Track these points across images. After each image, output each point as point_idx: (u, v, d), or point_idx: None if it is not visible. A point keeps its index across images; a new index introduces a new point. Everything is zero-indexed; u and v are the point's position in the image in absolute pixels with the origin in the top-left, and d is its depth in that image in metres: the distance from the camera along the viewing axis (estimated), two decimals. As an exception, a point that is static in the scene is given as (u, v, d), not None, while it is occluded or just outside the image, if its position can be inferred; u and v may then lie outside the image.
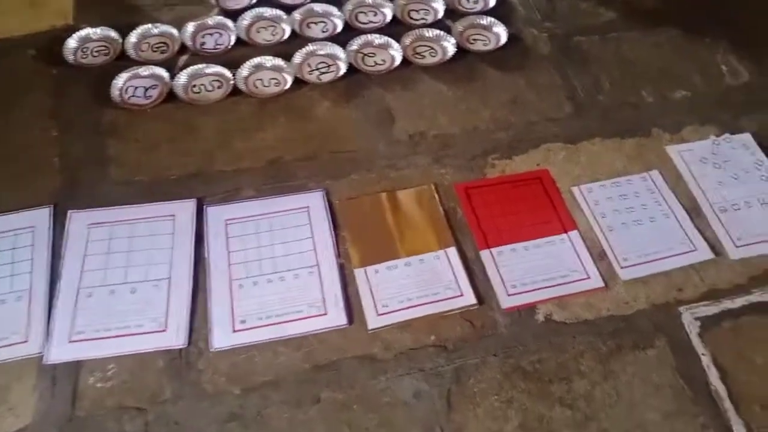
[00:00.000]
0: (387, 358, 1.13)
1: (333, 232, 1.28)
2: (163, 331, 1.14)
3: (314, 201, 1.33)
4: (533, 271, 1.23)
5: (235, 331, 1.15)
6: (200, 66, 1.53)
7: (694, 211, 1.33)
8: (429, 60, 1.58)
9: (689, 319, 1.18)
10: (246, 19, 1.63)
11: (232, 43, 1.60)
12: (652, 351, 1.15)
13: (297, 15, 1.65)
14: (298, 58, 1.55)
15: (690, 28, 1.68)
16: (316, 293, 1.20)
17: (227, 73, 1.52)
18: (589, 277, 1.23)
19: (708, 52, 1.65)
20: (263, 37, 1.62)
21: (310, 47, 1.57)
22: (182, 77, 1.51)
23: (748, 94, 1.56)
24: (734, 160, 1.40)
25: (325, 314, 1.17)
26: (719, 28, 1.69)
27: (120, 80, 1.49)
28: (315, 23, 1.66)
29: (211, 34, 1.62)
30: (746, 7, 1.75)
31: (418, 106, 1.50)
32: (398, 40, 1.59)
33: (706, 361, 1.14)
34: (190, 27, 1.61)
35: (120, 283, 1.20)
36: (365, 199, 1.33)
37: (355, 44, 1.58)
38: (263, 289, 1.20)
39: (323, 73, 1.54)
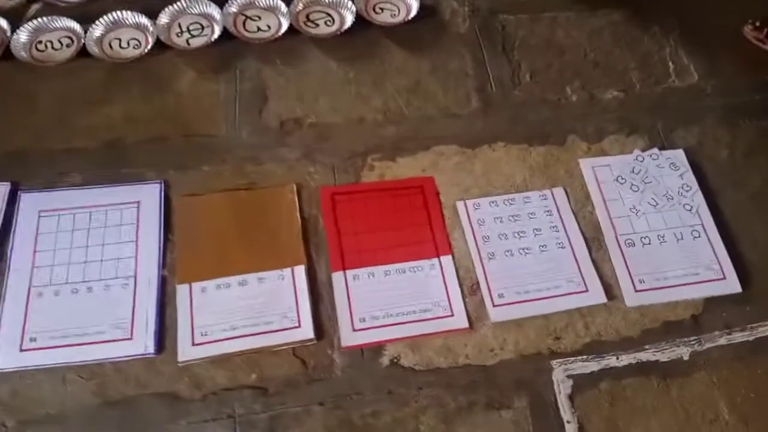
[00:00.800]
0: (193, 398, 0.96)
1: (163, 236, 1.08)
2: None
3: (148, 195, 1.12)
4: (389, 302, 1.04)
5: (22, 350, 0.98)
6: (48, 18, 1.29)
7: (595, 241, 1.13)
8: (323, 30, 1.34)
9: (561, 376, 1.00)
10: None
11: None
12: (508, 413, 0.97)
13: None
14: (165, 16, 1.31)
15: (637, 13, 1.43)
16: (126, 311, 1.01)
17: (79, 28, 1.28)
18: (452, 315, 1.04)
19: (654, 43, 1.40)
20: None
21: (182, 3, 1.32)
22: (24, 32, 1.27)
23: (693, 99, 1.33)
24: (658, 181, 1.19)
25: (131, 339, 0.99)
26: (672, 16, 1.43)
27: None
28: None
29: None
30: (708, -5, 1.49)
31: (298, 86, 1.27)
32: (289, 4, 1.34)
33: (570, 430, 0.96)
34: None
35: None
36: (210, 198, 1.12)
37: (235, 4, 1.33)
38: (65, 301, 1.02)
39: (194, 36, 1.30)
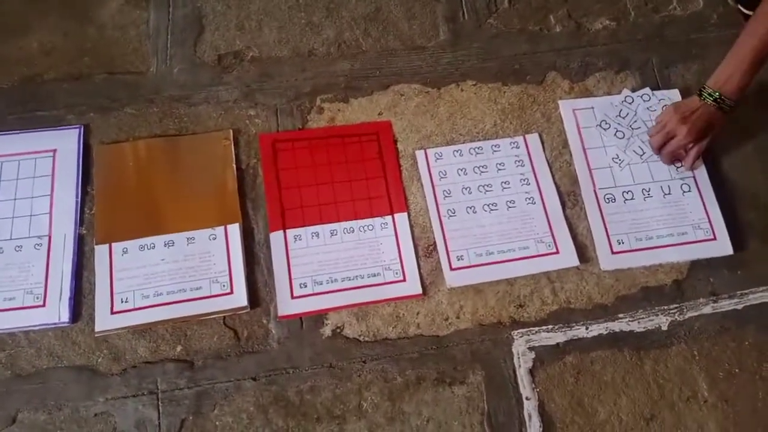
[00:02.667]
0: (112, 373, 0.87)
1: (80, 189, 0.96)
2: None
3: (65, 142, 0.99)
4: (334, 265, 0.93)
5: (-76, 318, 0.88)
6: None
7: (570, 196, 1.00)
8: (270, -54, 1.15)
9: (522, 348, 0.90)
10: None
11: None
12: (461, 389, 0.88)
13: None
14: (87, -71, 1.12)
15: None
16: (38, 276, 0.91)
17: (-13, -55, 1.11)
18: (404, 280, 0.93)
19: (657, -38, 1.21)
20: None
21: None
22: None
23: (696, 29, 1.15)
24: (647, 127, 1.04)
25: (43, 306, 0.89)
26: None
27: None
28: None
29: None
30: None
31: (239, 13, 1.11)
32: None
33: (529, 407, 0.87)
34: None
35: None
36: (134, 145, 0.99)
37: None
38: (-28, 264, 0.91)
39: (120, -45, 1.12)
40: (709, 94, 0.92)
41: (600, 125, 1.04)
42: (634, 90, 1.07)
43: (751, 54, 0.89)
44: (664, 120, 0.98)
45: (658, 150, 0.99)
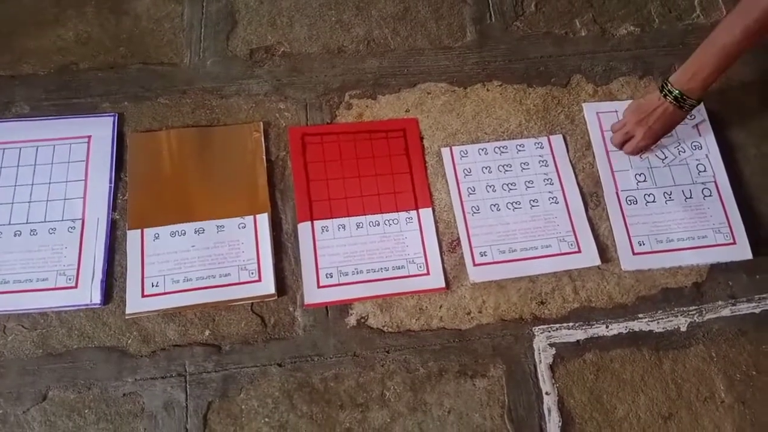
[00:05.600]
0: (141, 354, 0.89)
1: (114, 175, 0.98)
2: None
3: (100, 129, 1.01)
4: (360, 257, 0.95)
5: (-43, 296, 0.90)
6: None
7: (593, 197, 1.01)
8: (303, -55, 1.17)
9: (543, 343, 0.92)
10: None
11: None
12: (483, 382, 0.89)
13: None
14: (124, -76, 1.15)
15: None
16: (71, 258, 0.93)
17: (28, -64, 1.14)
18: (428, 273, 0.94)
19: (682, -29, 1.23)
20: None
21: None
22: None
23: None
24: (672, 133, 1.05)
25: (76, 287, 0.91)
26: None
27: None
28: None
29: None
30: None
31: (271, 9, 1.13)
32: None
33: (549, 402, 0.89)
34: None
35: None
36: (167, 134, 1.01)
37: None
38: (7, 244, 0.94)
39: (156, -51, 1.15)
40: (670, 92, 0.92)
41: (623, 128, 1.05)
42: (657, 95, 1.08)
43: (722, 52, 0.85)
44: (624, 119, 1.00)
45: (619, 147, 1.02)
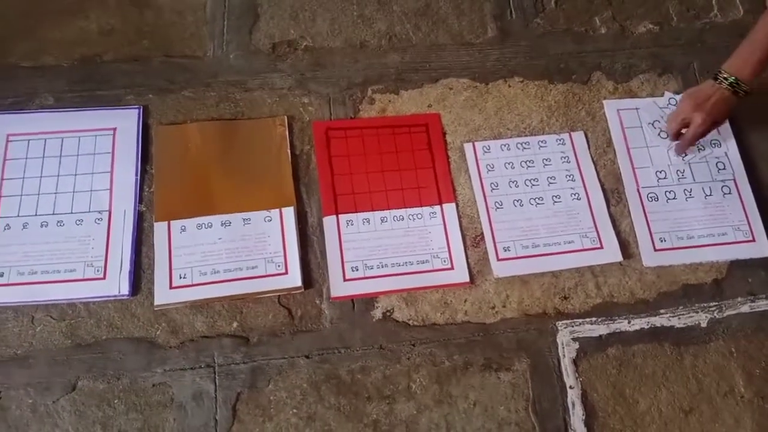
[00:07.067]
0: (170, 345, 0.89)
1: (140, 167, 0.99)
2: None
3: (126, 121, 1.02)
4: (385, 251, 0.96)
5: (-14, 286, 0.91)
6: None
7: (614, 193, 1.02)
8: (325, -61, 1.18)
9: (566, 338, 0.93)
10: None
11: None
12: (507, 375, 0.91)
13: None
14: None
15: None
16: (98, 249, 0.93)
17: (50, -74, 1.13)
18: (452, 268, 0.95)
19: (701, -29, 1.23)
20: None
21: None
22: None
23: (736, 36, 1.17)
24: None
25: (104, 279, 0.92)
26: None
27: None
28: None
29: None
30: None
31: (294, 3, 1.14)
32: None
33: (573, 396, 0.90)
34: None
35: None
36: (191, 127, 1.02)
37: None
38: (34, 235, 0.94)
39: (178, -59, 1.15)
40: (725, 78, 0.95)
41: (644, 125, 1.06)
42: (676, 93, 1.10)
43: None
44: (679, 107, 1.01)
45: (675, 137, 1.02)
